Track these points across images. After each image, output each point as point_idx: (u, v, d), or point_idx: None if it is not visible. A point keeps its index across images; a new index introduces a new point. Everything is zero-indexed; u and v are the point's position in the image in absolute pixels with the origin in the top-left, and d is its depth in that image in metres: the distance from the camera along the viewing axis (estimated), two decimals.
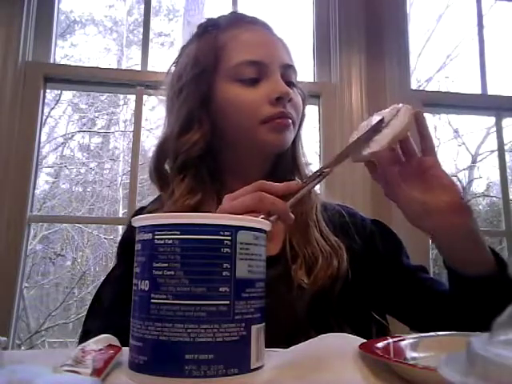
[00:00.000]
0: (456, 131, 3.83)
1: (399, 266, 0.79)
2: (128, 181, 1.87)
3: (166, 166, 0.82)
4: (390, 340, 0.48)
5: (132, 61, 3.79)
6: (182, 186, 0.76)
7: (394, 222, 1.52)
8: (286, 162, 0.82)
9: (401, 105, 0.64)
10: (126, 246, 0.80)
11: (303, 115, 0.83)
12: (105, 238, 3.52)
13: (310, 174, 0.83)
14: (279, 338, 0.48)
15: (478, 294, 0.61)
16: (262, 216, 0.57)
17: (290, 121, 0.75)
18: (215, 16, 0.84)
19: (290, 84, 0.77)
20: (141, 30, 1.95)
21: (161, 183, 0.81)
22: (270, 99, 0.73)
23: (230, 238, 0.39)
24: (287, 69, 0.77)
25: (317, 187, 0.84)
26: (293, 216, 0.59)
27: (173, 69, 0.84)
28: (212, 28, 0.80)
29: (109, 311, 0.72)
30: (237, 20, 0.80)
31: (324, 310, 0.69)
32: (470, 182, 4.17)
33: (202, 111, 0.76)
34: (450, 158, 4.08)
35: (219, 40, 0.77)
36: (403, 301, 0.77)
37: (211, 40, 0.77)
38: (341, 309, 0.71)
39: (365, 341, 0.48)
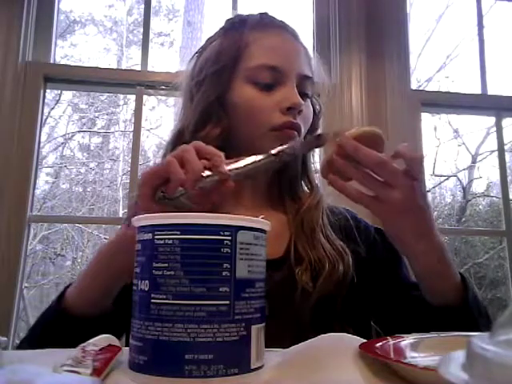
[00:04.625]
0: (456, 131, 3.83)
1: (395, 277, 0.78)
2: (128, 181, 1.87)
3: None
4: (390, 340, 0.48)
5: (132, 61, 3.80)
6: None
7: None
8: (294, 168, 0.82)
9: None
10: None
11: (317, 126, 0.83)
12: (105, 238, 3.53)
13: (316, 180, 0.84)
14: (282, 342, 0.48)
15: (442, 323, 0.60)
16: (262, 216, 0.57)
17: (296, 133, 0.74)
18: (245, 13, 0.83)
19: (305, 95, 0.77)
20: (141, 29, 1.95)
21: None
22: (281, 108, 0.73)
23: (229, 238, 0.39)
24: (304, 80, 0.77)
25: (322, 191, 0.84)
26: (228, 173, 0.55)
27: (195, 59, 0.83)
28: (239, 26, 0.79)
29: None
30: (265, 23, 0.79)
31: (328, 315, 0.69)
32: (470, 182, 4.18)
33: (218, 108, 0.76)
34: (450, 157, 4.09)
35: (243, 39, 0.76)
36: (389, 311, 0.77)
37: (236, 38, 0.77)
38: (345, 313, 0.70)
39: (365, 341, 0.48)
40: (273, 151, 0.61)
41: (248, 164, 0.58)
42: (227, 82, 0.75)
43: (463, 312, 0.63)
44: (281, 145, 0.62)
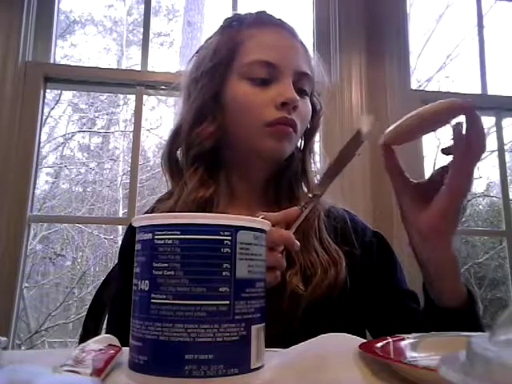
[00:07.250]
0: None
1: (389, 283, 0.78)
2: (128, 181, 1.87)
3: (179, 154, 0.82)
4: (390, 340, 0.48)
5: (132, 61, 3.80)
6: (194, 177, 0.76)
7: (396, 229, 1.52)
8: (294, 168, 0.81)
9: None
10: (124, 254, 0.80)
11: (317, 125, 0.83)
12: (105, 238, 3.52)
13: (316, 182, 0.84)
14: (272, 344, 0.48)
15: (448, 325, 0.60)
16: (262, 216, 0.57)
17: (291, 129, 0.73)
18: (243, 12, 0.84)
19: (302, 92, 0.76)
20: (141, 29, 1.95)
21: (173, 172, 0.81)
22: (276, 103, 0.72)
23: (229, 238, 0.39)
24: (301, 76, 0.76)
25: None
26: (298, 243, 0.60)
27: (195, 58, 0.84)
28: (236, 23, 0.80)
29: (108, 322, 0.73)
30: (261, 20, 0.80)
31: (319, 320, 0.68)
32: None
33: (214, 105, 0.76)
34: (450, 158, 4.08)
35: (239, 36, 0.76)
36: (381, 318, 0.76)
37: (232, 35, 0.77)
38: (336, 318, 0.70)
39: (365, 341, 0.48)
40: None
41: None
42: (222, 79, 0.75)
43: (470, 316, 0.62)
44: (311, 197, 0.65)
